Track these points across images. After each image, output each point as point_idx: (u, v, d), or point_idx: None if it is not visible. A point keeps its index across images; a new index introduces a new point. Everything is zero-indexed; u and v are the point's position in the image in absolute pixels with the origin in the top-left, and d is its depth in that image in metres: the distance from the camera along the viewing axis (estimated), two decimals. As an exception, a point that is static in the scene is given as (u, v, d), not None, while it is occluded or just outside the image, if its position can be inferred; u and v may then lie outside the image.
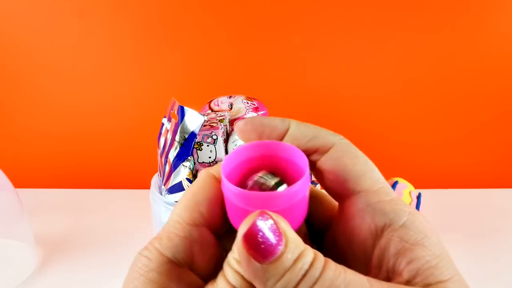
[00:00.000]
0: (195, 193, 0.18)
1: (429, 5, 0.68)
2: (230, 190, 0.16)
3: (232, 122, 0.57)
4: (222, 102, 0.60)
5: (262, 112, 0.59)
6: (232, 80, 0.74)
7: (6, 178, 0.53)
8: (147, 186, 0.52)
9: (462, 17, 0.69)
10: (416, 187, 0.59)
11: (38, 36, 0.71)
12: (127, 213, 0.67)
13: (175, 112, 0.48)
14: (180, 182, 0.47)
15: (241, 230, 0.14)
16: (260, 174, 0.17)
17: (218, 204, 0.17)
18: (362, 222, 0.17)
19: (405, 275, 0.15)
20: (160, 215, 0.49)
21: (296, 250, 0.14)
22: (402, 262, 0.16)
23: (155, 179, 0.53)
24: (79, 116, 0.76)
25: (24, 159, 0.78)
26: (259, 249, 0.13)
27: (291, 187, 0.16)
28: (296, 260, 0.13)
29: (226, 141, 0.53)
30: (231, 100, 0.60)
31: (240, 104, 0.59)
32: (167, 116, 0.51)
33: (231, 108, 0.59)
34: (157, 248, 0.16)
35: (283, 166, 0.18)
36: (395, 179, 0.58)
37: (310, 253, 0.14)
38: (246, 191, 0.16)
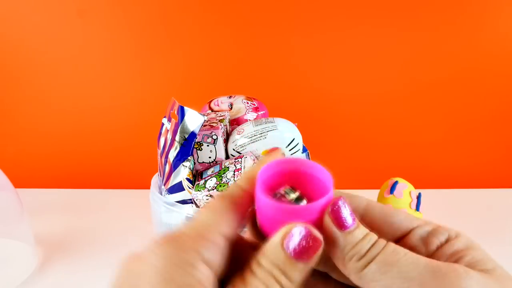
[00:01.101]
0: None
1: (429, 6, 0.68)
2: (270, 204, 0.18)
3: (232, 122, 0.57)
4: (222, 102, 0.60)
5: (262, 112, 0.59)
6: (232, 80, 0.74)
7: (6, 178, 0.53)
8: (147, 186, 0.52)
9: (462, 16, 0.69)
10: (416, 187, 0.59)
11: (38, 35, 0.71)
12: (127, 213, 0.67)
13: (175, 112, 0.48)
14: (180, 182, 0.47)
15: (330, 204, 0.18)
16: (283, 188, 0.20)
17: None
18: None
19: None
20: (160, 215, 0.49)
21: (364, 230, 0.18)
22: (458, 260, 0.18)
23: (155, 179, 0.53)
24: (79, 116, 0.76)
25: (24, 159, 0.79)
26: (341, 220, 0.18)
27: (319, 200, 0.18)
28: (365, 235, 0.18)
29: (226, 141, 0.53)
30: (231, 100, 0.60)
31: (240, 104, 0.59)
32: (167, 116, 0.51)
33: (231, 108, 0.59)
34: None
35: (307, 181, 0.20)
36: (395, 179, 0.58)
37: (374, 235, 0.18)
38: (284, 205, 0.18)
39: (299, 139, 0.52)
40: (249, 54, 0.72)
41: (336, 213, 0.18)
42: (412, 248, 0.19)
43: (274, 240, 0.17)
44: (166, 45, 0.72)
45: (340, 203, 0.18)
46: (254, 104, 0.59)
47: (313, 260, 0.17)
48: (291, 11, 0.70)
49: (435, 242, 0.19)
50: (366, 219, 0.21)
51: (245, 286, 0.17)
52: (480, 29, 0.70)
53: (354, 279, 0.18)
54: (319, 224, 0.18)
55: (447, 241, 0.19)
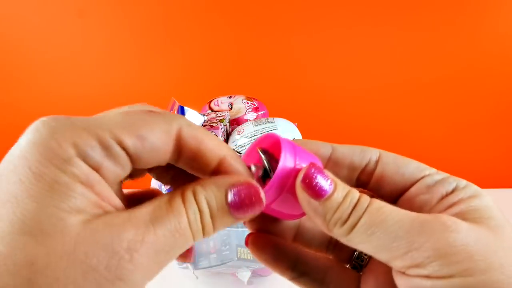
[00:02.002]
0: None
1: (429, 5, 0.68)
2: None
3: (232, 122, 0.57)
4: (222, 102, 0.60)
5: (262, 112, 0.59)
6: (232, 80, 0.74)
7: (6, 178, 0.53)
8: (147, 186, 0.52)
9: (462, 16, 0.69)
10: (416, 187, 0.59)
11: (38, 35, 0.71)
12: (127, 213, 0.67)
13: (175, 112, 0.48)
14: (180, 182, 0.47)
15: (299, 177, 0.17)
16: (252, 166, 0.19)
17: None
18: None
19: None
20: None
21: (343, 190, 0.17)
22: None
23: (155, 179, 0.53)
24: (78, 115, 0.76)
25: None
26: (314, 190, 0.16)
27: (280, 162, 0.17)
28: (345, 197, 0.17)
29: (226, 141, 0.53)
30: (231, 100, 0.60)
31: (240, 104, 0.59)
32: (167, 116, 0.51)
33: (231, 108, 0.59)
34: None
35: (272, 150, 0.19)
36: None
37: (356, 192, 0.17)
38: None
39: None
40: (249, 54, 0.72)
41: (309, 185, 0.16)
42: (415, 198, 0.18)
43: (221, 182, 0.16)
44: (165, 44, 0.72)
45: (311, 173, 0.17)
46: (254, 104, 0.59)
47: (244, 219, 0.16)
48: (291, 11, 0.70)
49: (441, 191, 0.18)
50: (377, 172, 0.19)
51: (172, 210, 0.15)
52: (480, 29, 0.70)
53: (343, 241, 0.17)
54: (291, 188, 0.17)
55: (454, 190, 0.18)
